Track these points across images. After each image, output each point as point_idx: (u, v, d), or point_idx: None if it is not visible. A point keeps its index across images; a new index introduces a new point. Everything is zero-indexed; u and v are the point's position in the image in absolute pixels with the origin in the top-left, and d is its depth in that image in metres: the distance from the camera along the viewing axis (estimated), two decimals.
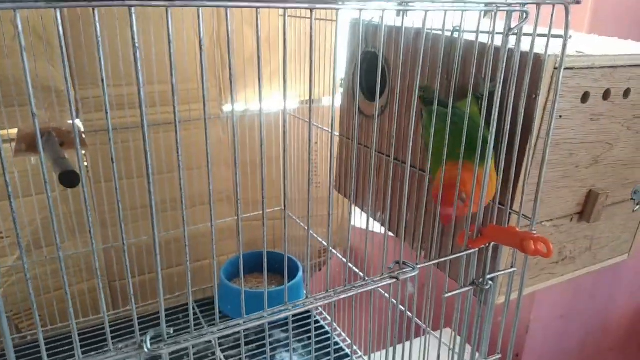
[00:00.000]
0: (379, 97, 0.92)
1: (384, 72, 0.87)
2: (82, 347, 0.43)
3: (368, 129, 0.94)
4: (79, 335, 0.94)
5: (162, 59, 1.08)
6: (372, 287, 0.51)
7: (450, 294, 0.59)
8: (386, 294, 0.53)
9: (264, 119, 1.31)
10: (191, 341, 0.42)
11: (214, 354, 1.06)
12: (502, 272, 0.62)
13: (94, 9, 0.34)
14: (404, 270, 0.52)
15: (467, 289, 0.61)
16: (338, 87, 1.17)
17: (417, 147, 0.77)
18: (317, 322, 1.18)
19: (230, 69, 1.20)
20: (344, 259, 1.16)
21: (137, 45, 0.36)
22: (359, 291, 0.50)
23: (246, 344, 1.09)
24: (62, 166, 0.83)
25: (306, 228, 1.30)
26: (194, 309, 1.22)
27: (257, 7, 0.39)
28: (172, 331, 0.41)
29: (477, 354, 0.66)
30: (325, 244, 1.30)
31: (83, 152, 1.13)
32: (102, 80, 0.36)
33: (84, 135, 1.11)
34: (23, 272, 1.14)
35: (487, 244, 0.59)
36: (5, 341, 0.38)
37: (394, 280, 0.51)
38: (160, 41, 1.06)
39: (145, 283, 1.26)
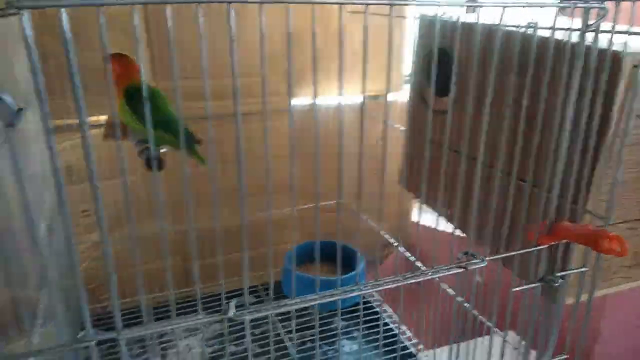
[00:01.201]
0: (447, 94, 0.93)
1: (452, 68, 0.88)
2: (164, 317, 0.48)
3: (435, 125, 0.94)
4: (160, 307, 1.02)
5: (241, 54, 1.13)
6: (439, 275, 0.52)
7: (518, 289, 0.60)
8: (450, 290, 0.54)
9: (329, 113, 1.34)
10: (271, 310, 0.45)
11: (277, 335, 1.11)
12: (573, 271, 0.61)
13: (198, 5, 0.38)
14: (473, 261, 0.54)
15: (535, 284, 0.61)
16: (402, 83, 1.19)
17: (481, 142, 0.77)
18: (377, 312, 1.20)
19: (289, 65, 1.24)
20: (402, 250, 1.17)
21: (234, 39, 0.40)
22: (426, 278, 0.52)
23: (308, 328, 1.14)
24: (146, 152, 0.90)
25: (367, 220, 1.32)
26: (257, 290, 1.28)
27: (341, 4, 0.42)
28: (253, 300, 0.45)
29: (542, 353, 0.66)
30: (388, 238, 1.32)
31: None
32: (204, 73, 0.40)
33: None
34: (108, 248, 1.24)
35: (558, 241, 0.59)
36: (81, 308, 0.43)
37: (462, 270, 0.53)
38: (240, 36, 1.11)
39: (213, 266, 1.33)
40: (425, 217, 1.09)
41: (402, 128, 1.16)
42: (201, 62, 0.40)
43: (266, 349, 1.07)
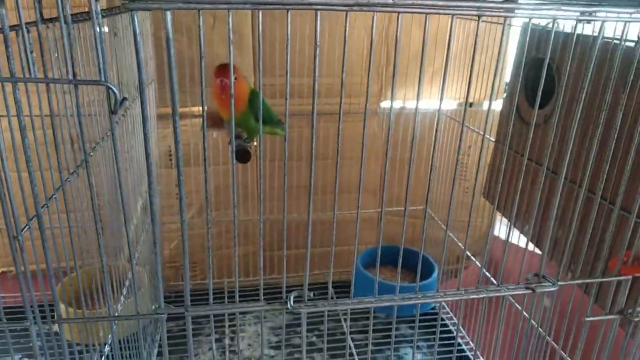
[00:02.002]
0: (545, 106, 0.88)
1: (553, 80, 0.84)
2: (231, 300, 0.51)
3: (527, 137, 0.90)
4: (231, 291, 1.08)
5: (331, 54, 1.16)
6: (504, 294, 0.51)
7: (592, 319, 0.56)
8: (518, 305, 0.52)
9: (420, 118, 1.33)
10: (327, 307, 0.47)
11: (342, 334, 1.13)
12: None
13: (287, 11, 0.40)
14: (543, 283, 0.51)
15: (612, 316, 0.57)
16: (501, 92, 1.14)
17: (576, 160, 0.72)
18: (445, 324, 1.17)
19: (394, 67, 1.24)
20: (479, 264, 1.13)
21: (318, 43, 0.41)
22: (490, 295, 0.50)
23: (374, 331, 1.14)
24: (238, 145, 0.96)
25: (447, 230, 1.29)
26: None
27: (427, 13, 0.42)
28: (312, 295, 0.47)
29: None
30: (464, 249, 1.28)
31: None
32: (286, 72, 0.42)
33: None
34: (193, 229, 1.33)
35: None
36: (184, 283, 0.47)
37: (529, 291, 0.51)
38: (332, 37, 1.14)
39: (291, 257, 1.38)
40: (507, 231, 1.05)
41: (492, 139, 1.13)
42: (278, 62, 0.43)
43: (329, 345, 1.09)
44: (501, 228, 1.39)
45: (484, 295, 0.50)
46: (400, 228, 1.44)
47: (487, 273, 1.15)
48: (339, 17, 1.18)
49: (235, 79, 0.82)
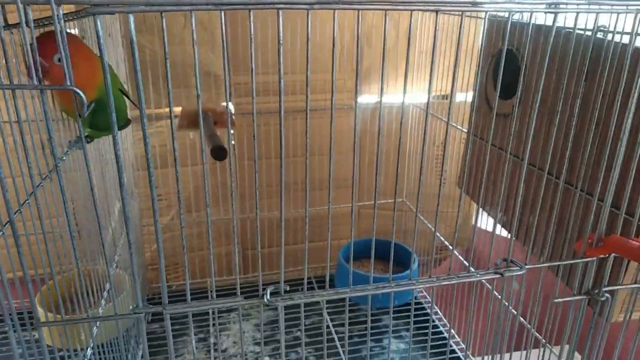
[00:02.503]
0: (513, 96, 0.91)
1: (518, 71, 0.86)
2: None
3: (496, 127, 0.92)
4: (221, 289, 1.08)
5: (305, 52, 1.17)
6: (475, 279, 0.52)
7: (560, 300, 0.58)
8: (495, 291, 0.54)
9: (394, 112, 1.34)
10: (303, 299, 0.48)
11: (326, 327, 1.14)
12: (623, 287, 0.59)
13: (249, 11, 0.41)
14: (511, 268, 0.53)
15: (580, 297, 0.59)
16: (471, 84, 1.16)
17: (541, 147, 0.75)
18: (426, 313, 1.19)
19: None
20: (457, 253, 1.16)
21: (281, 42, 0.42)
22: (461, 281, 0.52)
23: (357, 323, 1.16)
24: (214, 142, 0.96)
25: (427, 223, 1.31)
26: (311, 282, 1.31)
27: (385, 10, 0.43)
28: (288, 288, 0.48)
29: None
30: (443, 240, 1.31)
31: (232, 131, 1.27)
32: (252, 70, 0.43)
33: (234, 117, 1.25)
34: (174, 231, 1.33)
35: (608, 255, 0.57)
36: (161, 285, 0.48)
37: (498, 275, 0.52)
38: (304, 35, 1.15)
39: (273, 255, 1.39)
40: (484, 220, 1.08)
41: (464, 130, 1.15)
42: (248, 62, 0.43)
43: (314, 339, 1.10)
44: (481, 217, 1.41)
45: (456, 282, 0.52)
46: (380, 221, 1.46)
47: (464, 261, 1.17)
48: (315, 15, 1.19)
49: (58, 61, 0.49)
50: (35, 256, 0.50)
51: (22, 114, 0.43)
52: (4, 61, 0.41)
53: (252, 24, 0.42)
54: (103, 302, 0.78)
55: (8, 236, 0.45)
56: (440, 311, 1.25)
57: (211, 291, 0.49)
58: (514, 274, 0.52)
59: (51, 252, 0.51)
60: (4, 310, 0.45)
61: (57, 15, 0.37)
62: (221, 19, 0.41)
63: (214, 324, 1.12)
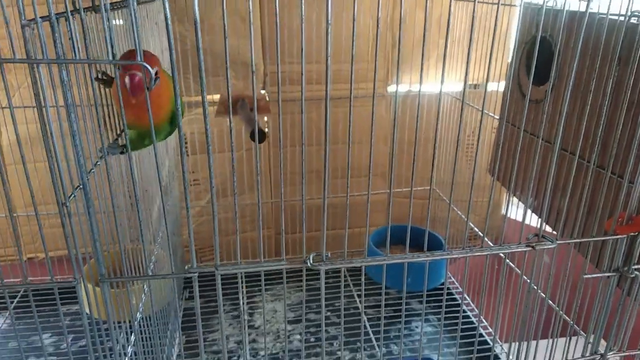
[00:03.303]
0: (545, 82, 0.92)
1: (552, 57, 0.87)
2: (249, 280, 0.56)
3: (528, 114, 0.94)
4: (248, 274, 1.13)
5: (338, 40, 1.20)
6: (507, 251, 0.55)
7: (590, 276, 0.60)
8: (518, 270, 0.56)
9: (426, 101, 1.36)
10: (344, 264, 0.51)
11: (356, 308, 1.17)
12: None
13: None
14: (542, 242, 0.55)
15: (609, 274, 0.61)
16: (503, 72, 1.17)
17: (573, 131, 0.76)
18: (454, 298, 1.22)
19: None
20: (488, 241, 1.17)
21: (330, 24, 0.46)
22: (493, 252, 0.55)
23: (387, 306, 1.19)
24: (252, 126, 1.00)
25: (457, 211, 1.33)
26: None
27: None
28: (329, 254, 0.51)
29: (613, 344, 0.65)
30: (476, 228, 1.32)
31: (266, 118, 1.32)
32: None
33: (269, 104, 1.29)
34: (210, 215, 1.39)
35: (638, 232, 0.59)
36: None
37: (530, 249, 0.55)
38: (338, 24, 1.18)
39: (312, 240, 1.43)
40: (513, 209, 1.09)
41: (496, 117, 1.16)
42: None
43: (345, 318, 1.14)
44: (509, 205, 1.42)
45: (487, 253, 0.55)
46: (416, 209, 1.48)
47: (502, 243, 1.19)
48: (345, 3, 1.22)
49: (157, 75, 0.49)
50: (78, 235, 0.54)
51: (76, 99, 0.47)
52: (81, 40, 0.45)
53: (304, 10, 0.45)
54: (150, 273, 0.83)
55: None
56: (471, 300, 1.27)
57: (247, 277, 0.53)
58: (546, 247, 0.55)
59: (106, 225, 0.55)
60: (71, 255, 0.50)
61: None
62: (248, 8, 0.44)
63: (248, 303, 1.16)
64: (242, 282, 1.13)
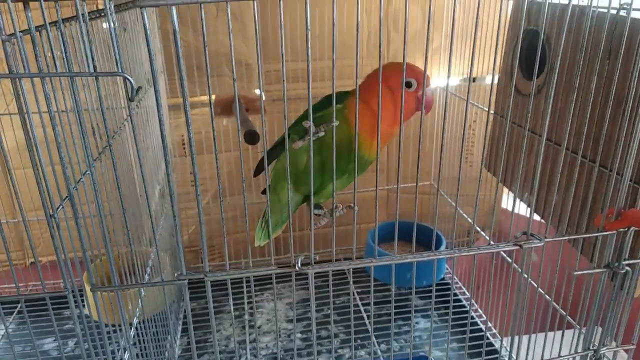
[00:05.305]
0: (537, 76, 0.91)
1: (544, 51, 0.87)
2: (248, 281, 0.56)
3: (523, 108, 0.94)
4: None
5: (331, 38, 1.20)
6: (494, 250, 0.55)
7: (580, 272, 0.60)
8: (515, 264, 0.56)
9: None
10: (331, 267, 0.52)
11: (356, 306, 1.18)
12: None
13: (280, 0, 0.45)
14: (530, 240, 0.55)
15: (600, 270, 0.61)
16: (499, 66, 1.17)
17: (568, 125, 0.76)
18: (454, 294, 1.22)
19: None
20: (485, 234, 1.18)
21: (309, 28, 0.46)
22: (481, 252, 0.55)
23: (386, 302, 1.19)
24: (247, 127, 1.00)
25: (452, 203, 1.33)
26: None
27: None
28: (317, 258, 0.52)
29: (606, 339, 0.65)
30: (467, 218, 1.32)
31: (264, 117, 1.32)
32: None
33: (265, 103, 1.30)
34: (210, 214, 1.39)
35: (627, 228, 0.59)
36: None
37: (517, 247, 0.55)
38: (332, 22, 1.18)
39: (304, 238, 1.43)
40: (510, 202, 1.09)
41: (492, 112, 1.16)
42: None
43: (343, 317, 1.15)
44: (508, 199, 1.42)
45: (475, 253, 0.55)
46: (407, 204, 1.48)
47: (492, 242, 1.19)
48: (341, 2, 1.22)
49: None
50: (75, 239, 0.55)
51: (74, 102, 0.48)
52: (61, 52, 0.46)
53: (282, 12, 0.45)
54: (147, 277, 0.84)
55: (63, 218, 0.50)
56: (471, 294, 1.27)
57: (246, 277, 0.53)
58: (533, 245, 0.55)
59: (105, 230, 0.56)
60: (64, 276, 0.50)
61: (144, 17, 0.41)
62: (254, 9, 0.45)
63: (248, 302, 1.17)
64: (244, 284, 1.14)
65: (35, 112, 0.46)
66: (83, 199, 0.53)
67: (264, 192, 0.80)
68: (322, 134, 0.60)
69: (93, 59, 0.42)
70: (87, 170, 0.52)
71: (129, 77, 0.43)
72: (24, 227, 0.49)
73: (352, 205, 0.54)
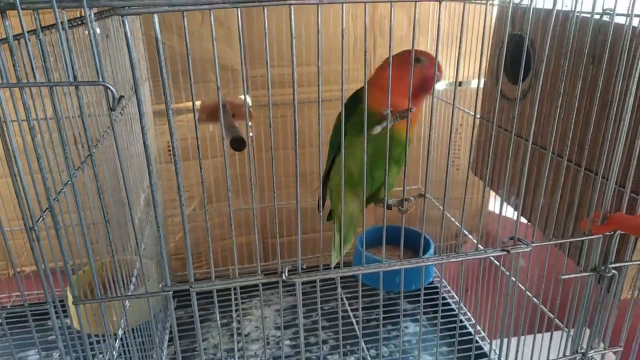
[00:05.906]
0: (523, 80, 0.92)
1: (529, 55, 0.87)
2: (243, 290, 0.56)
3: (509, 112, 0.94)
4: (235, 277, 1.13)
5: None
6: (482, 256, 0.55)
7: (567, 277, 0.60)
8: (504, 269, 0.56)
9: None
10: (319, 275, 0.51)
11: (345, 311, 1.17)
12: (628, 263, 0.61)
13: (264, 7, 0.44)
14: (518, 245, 0.55)
15: (586, 274, 0.61)
16: (484, 70, 1.17)
17: (556, 132, 0.76)
18: (443, 297, 1.22)
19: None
20: (472, 238, 1.18)
21: (293, 35, 0.45)
22: (469, 258, 0.55)
23: (375, 307, 1.19)
24: (233, 133, 1.00)
25: (440, 207, 1.33)
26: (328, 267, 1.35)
27: (392, 1, 0.46)
28: (305, 265, 0.51)
29: (594, 341, 0.66)
30: (455, 221, 1.32)
31: (250, 123, 1.31)
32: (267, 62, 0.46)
33: (251, 109, 1.29)
34: (196, 221, 1.38)
35: (613, 232, 0.59)
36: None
37: (504, 252, 0.55)
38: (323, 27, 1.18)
39: (292, 243, 1.43)
40: (499, 206, 1.09)
41: (478, 116, 1.16)
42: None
43: (332, 322, 1.14)
44: (495, 202, 1.43)
45: (463, 259, 0.55)
46: (395, 209, 1.47)
47: (480, 246, 1.19)
48: (328, 7, 1.22)
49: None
50: (72, 243, 0.54)
51: (53, 111, 0.47)
52: (40, 61, 0.45)
53: (266, 19, 0.45)
54: (132, 287, 0.82)
55: (43, 228, 0.49)
56: (460, 298, 1.27)
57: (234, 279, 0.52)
58: (520, 250, 0.55)
59: (87, 239, 0.55)
60: (44, 288, 0.49)
61: (90, 16, 0.40)
62: (237, 16, 0.44)
63: (236, 310, 1.16)
64: (232, 292, 1.13)
65: (15, 120, 0.45)
66: (65, 209, 0.52)
67: (329, 218, 0.86)
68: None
69: (73, 68, 0.41)
70: (68, 180, 0.51)
71: (110, 86, 0.42)
72: (3, 239, 0.47)
73: (423, 193, 0.61)
